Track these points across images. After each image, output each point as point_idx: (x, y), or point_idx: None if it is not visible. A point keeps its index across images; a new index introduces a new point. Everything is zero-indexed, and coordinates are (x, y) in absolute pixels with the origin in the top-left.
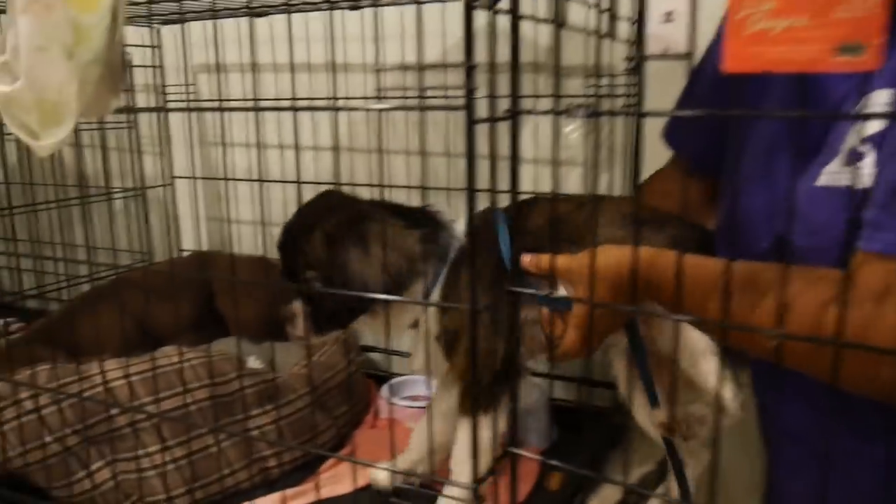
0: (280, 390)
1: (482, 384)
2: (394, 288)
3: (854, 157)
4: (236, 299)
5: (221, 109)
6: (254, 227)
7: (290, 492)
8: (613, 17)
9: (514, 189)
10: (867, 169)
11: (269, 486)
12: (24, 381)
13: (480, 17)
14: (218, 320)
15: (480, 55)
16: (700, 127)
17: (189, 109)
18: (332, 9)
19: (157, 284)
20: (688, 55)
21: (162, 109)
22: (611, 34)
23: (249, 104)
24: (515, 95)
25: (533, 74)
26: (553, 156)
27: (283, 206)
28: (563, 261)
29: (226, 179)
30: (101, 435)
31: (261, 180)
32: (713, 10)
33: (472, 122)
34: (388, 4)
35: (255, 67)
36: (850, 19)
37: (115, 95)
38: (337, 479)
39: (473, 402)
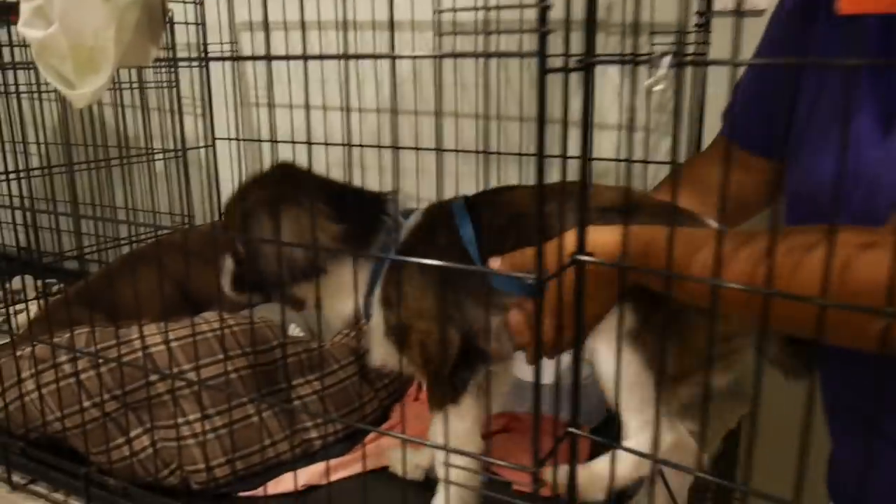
0: (323, 360)
1: (442, 376)
2: (300, 277)
3: None
4: None
5: (269, 58)
6: None
7: (333, 462)
8: None
9: (585, 155)
10: None
11: (310, 458)
12: (62, 343)
13: None
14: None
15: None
16: (767, 107)
17: (233, 59)
18: None
19: (199, 247)
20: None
21: (204, 60)
22: None
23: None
24: (591, 43)
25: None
26: (627, 115)
27: (325, 168)
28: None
29: (271, 141)
30: (140, 401)
31: (308, 143)
32: None
33: (544, 72)
34: None
35: (303, 25)
36: None
37: (154, 44)
38: (381, 451)
39: (439, 395)
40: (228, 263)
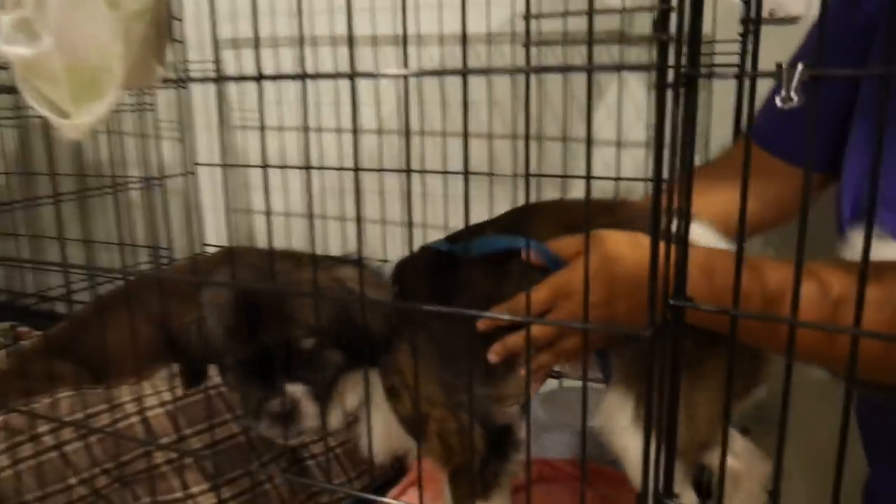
0: None
1: (469, 471)
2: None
3: None
4: None
5: (260, 78)
6: (286, 219)
7: None
8: None
9: (689, 178)
10: None
11: None
12: (42, 412)
13: None
14: None
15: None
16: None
17: (217, 80)
18: None
19: (184, 286)
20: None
21: (184, 81)
22: None
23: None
24: (696, 56)
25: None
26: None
27: (320, 195)
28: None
29: (262, 167)
30: (138, 474)
31: (307, 167)
32: None
33: (663, 86)
34: None
35: (302, 40)
36: None
37: (160, 62)
38: None
39: (466, 490)
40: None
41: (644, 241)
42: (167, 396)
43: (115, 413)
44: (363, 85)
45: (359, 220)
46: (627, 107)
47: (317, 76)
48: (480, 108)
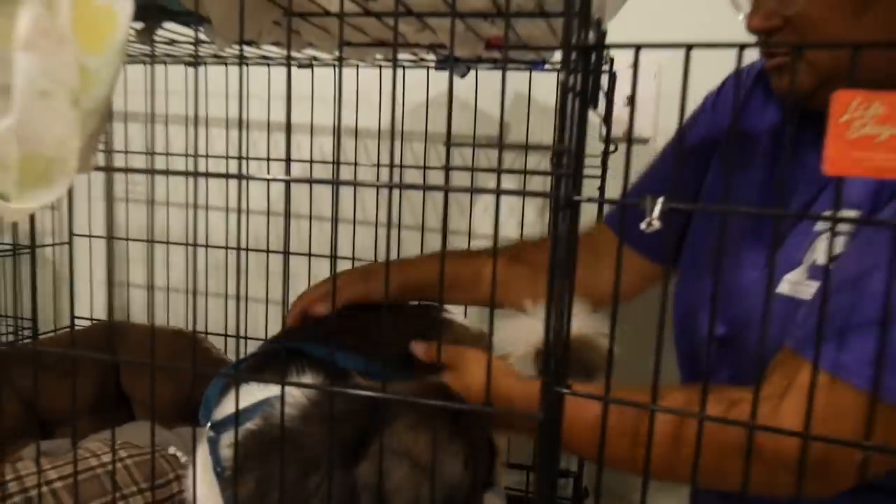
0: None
1: None
2: None
3: (815, 273)
4: (149, 378)
5: (153, 172)
6: (164, 293)
7: None
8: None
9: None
10: (813, 286)
11: None
12: None
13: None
14: (122, 401)
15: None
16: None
17: (107, 170)
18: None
19: (52, 359)
20: (646, 140)
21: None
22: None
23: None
24: (579, 184)
25: (486, 150)
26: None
27: (205, 272)
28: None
29: (148, 241)
30: None
31: (190, 244)
32: (671, 95)
33: (557, 209)
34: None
35: (196, 120)
36: None
37: (96, 149)
38: None
39: None
40: None
41: (498, 364)
42: (52, 475)
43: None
44: (253, 165)
45: (243, 298)
46: (501, 206)
47: (207, 175)
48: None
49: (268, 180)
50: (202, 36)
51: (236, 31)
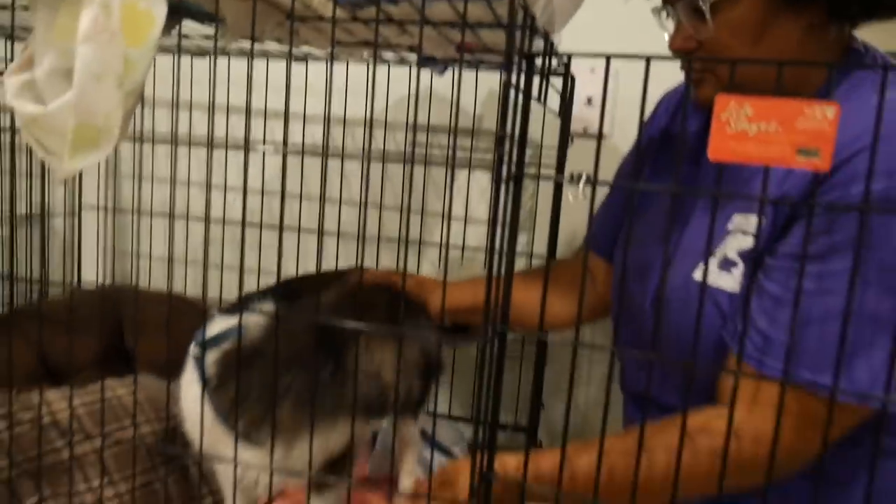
0: None
1: None
2: None
3: (726, 265)
4: (151, 336)
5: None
6: (163, 263)
7: None
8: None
9: (511, 251)
10: (737, 276)
11: None
12: None
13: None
14: (124, 357)
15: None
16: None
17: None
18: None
19: (61, 317)
20: (602, 136)
21: None
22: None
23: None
24: (521, 160)
25: (462, 140)
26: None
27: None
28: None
29: (149, 214)
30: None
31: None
32: (627, 97)
33: (499, 182)
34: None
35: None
36: (809, 129)
37: (127, 126)
38: None
39: None
40: None
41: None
42: (76, 401)
43: (25, 413)
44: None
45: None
46: (473, 190)
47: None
48: (354, 180)
49: (283, 153)
50: (208, 31)
51: (247, 30)
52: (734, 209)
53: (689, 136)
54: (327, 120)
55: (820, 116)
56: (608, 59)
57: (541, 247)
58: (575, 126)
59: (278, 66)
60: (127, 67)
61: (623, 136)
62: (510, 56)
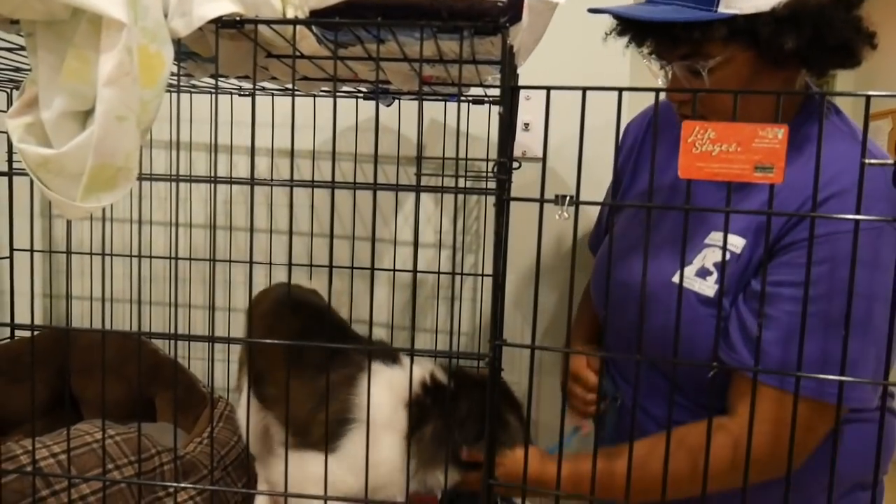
0: (194, 466)
1: None
2: None
3: (703, 273)
4: (99, 379)
5: None
6: (98, 303)
7: None
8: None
9: (503, 271)
10: (710, 283)
11: None
12: None
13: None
14: (72, 403)
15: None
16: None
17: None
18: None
19: (5, 365)
20: (542, 158)
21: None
22: None
23: None
24: (508, 183)
25: (406, 168)
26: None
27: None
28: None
29: (89, 254)
30: None
31: (133, 255)
32: (561, 123)
33: (501, 203)
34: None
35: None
36: (764, 148)
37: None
38: None
39: None
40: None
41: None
42: (55, 448)
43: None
44: (195, 184)
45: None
46: (421, 216)
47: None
48: (303, 210)
49: (244, 182)
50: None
51: (234, 69)
52: (712, 227)
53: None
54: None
55: (772, 137)
56: (548, 90)
57: (512, 266)
58: (515, 150)
59: (205, 99)
60: (142, 108)
61: (559, 159)
62: (504, 89)
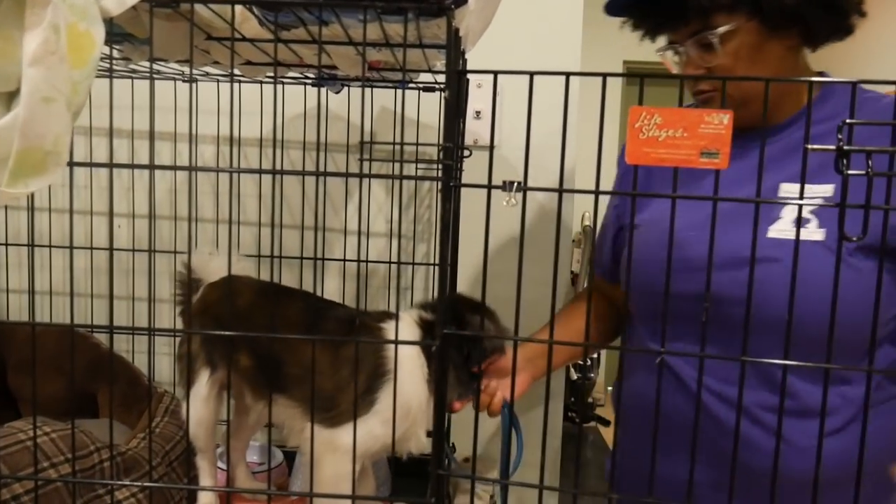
0: (137, 462)
1: None
2: None
3: (804, 222)
4: (38, 375)
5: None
6: (39, 296)
7: None
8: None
9: (454, 261)
10: (813, 228)
11: None
12: None
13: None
14: (6, 401)
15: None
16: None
17: None
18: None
19: None
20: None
21: None
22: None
23: None
24: (458, 170)
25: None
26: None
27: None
28: None
29: (29, 246)
30: None
31: (70, 247)
32: (511, 111)
33: (448, 189)
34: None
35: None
36: (710, 134)
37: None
38: None
39: None
40: None
41: None
42: None
43: None
44: (137, 173)
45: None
46: (372, 205)
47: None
48: (250, 200)
49: (187, 168)
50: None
51: (172, 52)
52: (779, 179)
53: None
54: (226, 139)
55: (717, 122)
56: (496, 74)
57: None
58: (466, 138)
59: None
60: (73, 89)
61: (510, 147)
62: (450, 73)
